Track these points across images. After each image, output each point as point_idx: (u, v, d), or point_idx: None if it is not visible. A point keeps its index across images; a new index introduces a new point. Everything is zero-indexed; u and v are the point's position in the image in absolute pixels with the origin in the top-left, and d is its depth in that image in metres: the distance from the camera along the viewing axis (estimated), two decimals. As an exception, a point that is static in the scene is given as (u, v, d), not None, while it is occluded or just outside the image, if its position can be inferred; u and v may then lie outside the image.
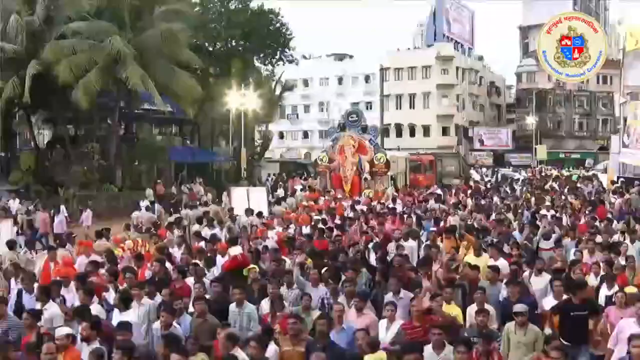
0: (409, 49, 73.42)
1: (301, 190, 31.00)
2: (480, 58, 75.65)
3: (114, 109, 33.57)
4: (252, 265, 10.89)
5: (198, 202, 25.72)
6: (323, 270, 10.28)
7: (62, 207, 24.22)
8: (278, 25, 46.03)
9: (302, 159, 61.07)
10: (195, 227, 17.15)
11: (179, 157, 39.33)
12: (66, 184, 29.87)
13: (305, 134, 74.19)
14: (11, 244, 13.54)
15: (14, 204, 25.96)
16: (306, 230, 16.16)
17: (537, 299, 9.33)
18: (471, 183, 36.38)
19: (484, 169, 55.77)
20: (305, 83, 73.99)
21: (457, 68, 67.71)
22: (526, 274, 10.29)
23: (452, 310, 8.56)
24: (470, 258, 11.42)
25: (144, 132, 40.17)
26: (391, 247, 13.06)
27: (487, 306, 8.31)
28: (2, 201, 26.40)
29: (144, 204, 25.05)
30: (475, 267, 10.37)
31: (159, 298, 9.08)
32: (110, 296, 9.53)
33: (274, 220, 17.29)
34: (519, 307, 7.67)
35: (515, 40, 78.40)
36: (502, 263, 10.85)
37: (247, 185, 30.79)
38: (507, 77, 78.92)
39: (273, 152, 62.53)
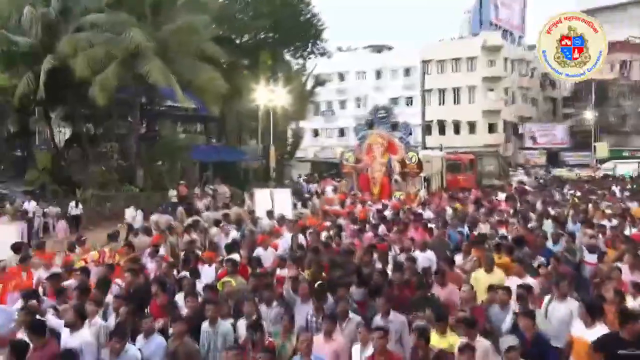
0: (452, 38, 73.21)
1: (333, 191, 31.09)
2: (532, 47, 74.29)
3: (134, 105, 33.89)
4: (227, 278, 10.53)
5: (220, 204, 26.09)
6: (316, 284, 9.69)
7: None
8: (309, 15, 46.16)
9: (336, 158, 60.92)
10: (213, 230, 17.30)
11: (203, 156, 39.49)
12: (84, 185, 30.29)
13: (341, 132, 74.33)
14: (17, 247, 13.48)
15: (30, 206, 26.54)
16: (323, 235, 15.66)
17: (557, 331, 8.47)
18: (515, 184, 35.92)
19: (538, 170, 55.04)
20: (341, 77, 74.35)
21: (506, 59, 67.16)
22: (546, 299, 9.13)
23: (449, 340, 7.78)
24: (480, 275, 10.71)
25: (166, 130, 40.36)
26: (399, 258, 12.38)
27: (479, 340, 7.51)
28: (17, 202, 26.96)
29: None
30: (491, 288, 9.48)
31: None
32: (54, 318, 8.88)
33: (282, 227, 16.94)
34: (510, 340, 6.88)
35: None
36: (530, 281, 10.04)
37: (274, 186, 30.97)
38: (564, 70, 77.60)
39: (306, 151, 62.68)
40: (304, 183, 36.44)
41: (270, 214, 19.39)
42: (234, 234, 16.68)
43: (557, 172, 50.34)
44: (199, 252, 13.99)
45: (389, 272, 10.98)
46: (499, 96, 66.19)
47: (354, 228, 16.53)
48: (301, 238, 15.38)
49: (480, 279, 10.50)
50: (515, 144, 67.60)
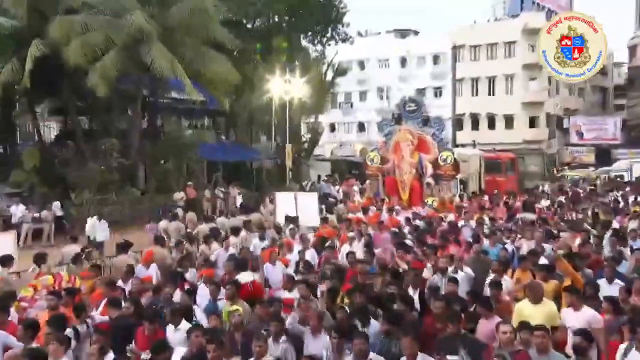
0: (488, 21, 72.48)
1: (360, 194, 30.67)
2: (578, 27, 73.71)
3: (135, 97, 33.66)
4: (234, 307, 10.08)
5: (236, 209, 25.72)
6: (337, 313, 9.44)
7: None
8: (329, -4, 45.64)
9: (357, 156, 60.59)
10: (232, 239, 16.94)
11: (213, 155, 39.38)
12: (80, 186, 29.92)
13: (361, 126, 74.11)
14: (4, 260, 13.15)
15: (18, 210, 26.13)
16: (346, 249, 15.25)
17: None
18: (567, 188, 35.26)
19: (591, 169, 53.99)
20: (361, 65, 73.95)
21: (550, 43, 66.02)
22: (622, 348, 7.96)
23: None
24: (525, 306, 9.58)
25: (172, 126, 40.24)
26: (435, 281, 11.85)
27: None
28: (1, 205, 26.55)
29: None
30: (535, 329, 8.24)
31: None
32: None
33: (294, 239, 16.48)
34: None
35: (629, 5, 76.68)
36: (591, 317, 9.06)
37: (298, 189, 30.90)
38: (616, 52, 75.53)
39: (323, 147, 62.29)
40: (328, 185, 35.62)
41: (294, 220, 19.08)
42: (257, 242, 16.48)
43: (616, 170, 48.39)
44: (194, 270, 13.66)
45: (414, 297, 10.54)
46: (542, 86, 64.97)
47: (389, 239, 16.01)
48: (313, 253, 14.94)
49: (525, 313, 9.41)
50: (560, 139, 66.76)
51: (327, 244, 15.47)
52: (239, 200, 31.75)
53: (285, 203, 21.85)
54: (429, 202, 25.97)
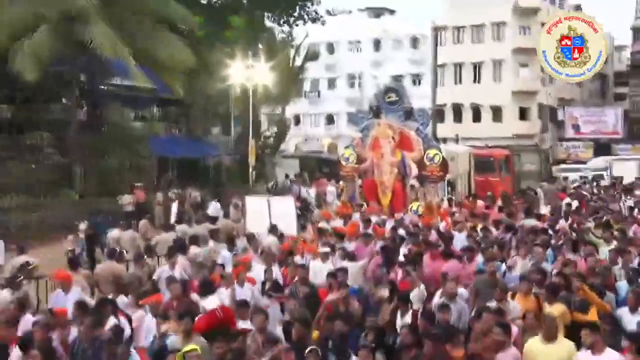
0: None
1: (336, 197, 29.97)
2: (577, 8, 71.78)
3: (71, 83, 33.02)
4: (190, 346, 8.98)
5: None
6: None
7: None
8: (297, -31, 45.64)
9: (326, 153, 59.42)
10: (193, 250, 16.11)
11: (163, 150, 38.74)
12: (4, 189, 29.00)
13: (330, 118, 72.68)
14: None
15: None
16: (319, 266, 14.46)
17: None
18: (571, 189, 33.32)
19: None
20: (330, 48, 72.60)
21: (543, 24, 64.04)
22: None
23: None
24: (537, 347, 9.14)
25: (115, 116, 38.75)
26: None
27: None
28: None
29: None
30: None
31: None
32: None
33: (251, 254, 15.68)
34: None
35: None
36: None
37: (265, 191, 31.18)
38: (616, 35, 74.58)
39: (287, 142, 61.13)
40: (299, 186, 34.64)
41: (273, 229, 18.26)
42: (226, 254, 15.83)
43: (593, 167, 46.56)
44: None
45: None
46: (535, 73, 62.84)
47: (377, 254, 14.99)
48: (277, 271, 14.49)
49: (537, 353, 9.08)
50: (554, 133, 66.02)
51: (296, 259, 15.02)
52: (212, 206, 30.05)
53: (256, 209, 21.36)
54: (414, 207, 24.72)
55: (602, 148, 62.07)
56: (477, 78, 66.03)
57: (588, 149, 63.23)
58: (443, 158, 26.98)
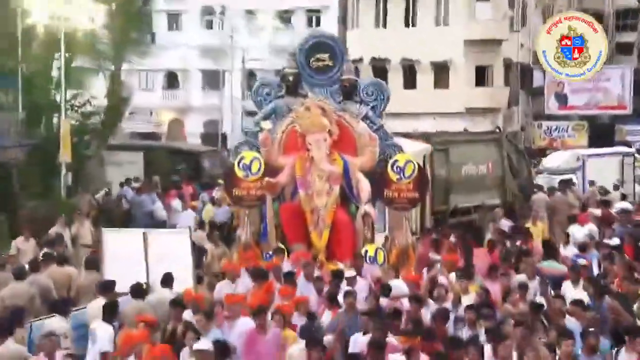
0: None
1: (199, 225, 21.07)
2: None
3: None
4: None
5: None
6: None
7: None
8: None
9: (167, 136, 50.27)
10: None
11: None
12: None
13: (171, 78, 57.09)
14: None
15: None
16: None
17: None
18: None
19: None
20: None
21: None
22: None
23: None
24: None
25: None
26: None
27: None
28: None
29: None
30: None
31: None
32: None
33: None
34: None
35: None
36: None
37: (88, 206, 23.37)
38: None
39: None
40: (151, 199, 25.31)
41: (166, 281, 13.80)
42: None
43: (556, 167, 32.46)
44: None
45: None
46: (500, 13, 48.53)
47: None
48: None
49: None
50: (529, 107, 54.39)
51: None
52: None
53: (120, 249, 15.75)
54: (370, 253, 16.81)
55: (603, 129, 49.32)
56: (409, 20, 48.99)
57: (580, 131, 50.63)
58: (419, 167, 18.31)
